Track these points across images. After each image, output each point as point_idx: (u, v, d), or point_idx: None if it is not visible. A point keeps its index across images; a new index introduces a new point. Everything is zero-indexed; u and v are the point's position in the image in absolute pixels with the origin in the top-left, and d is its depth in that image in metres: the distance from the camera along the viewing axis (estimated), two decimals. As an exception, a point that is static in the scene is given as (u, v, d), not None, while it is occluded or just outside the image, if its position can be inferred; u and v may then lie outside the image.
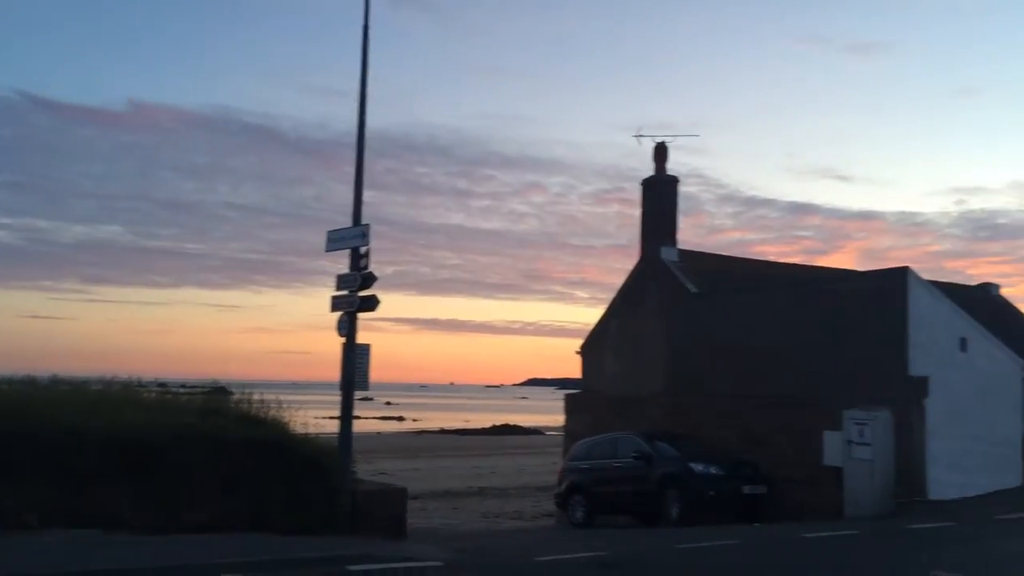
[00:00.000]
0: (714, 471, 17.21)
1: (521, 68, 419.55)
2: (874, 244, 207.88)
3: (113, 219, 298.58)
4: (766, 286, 22.80)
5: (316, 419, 14.24)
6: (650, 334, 23.79)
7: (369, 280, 12.89)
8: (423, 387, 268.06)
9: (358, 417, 28.13)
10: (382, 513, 12.57)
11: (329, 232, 13.51)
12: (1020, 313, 30.31)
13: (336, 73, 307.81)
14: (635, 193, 25.13)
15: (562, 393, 28.12)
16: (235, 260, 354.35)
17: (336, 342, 13.01)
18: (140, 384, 13.96)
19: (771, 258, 28.25)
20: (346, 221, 13.37)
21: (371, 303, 12.91)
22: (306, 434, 12.97)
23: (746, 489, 17.34)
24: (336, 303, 13.12)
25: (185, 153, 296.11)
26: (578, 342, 26.98)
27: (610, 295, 26.40)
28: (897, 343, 17.58)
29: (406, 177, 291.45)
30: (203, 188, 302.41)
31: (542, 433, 66.32)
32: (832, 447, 17.53)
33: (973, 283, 30.87)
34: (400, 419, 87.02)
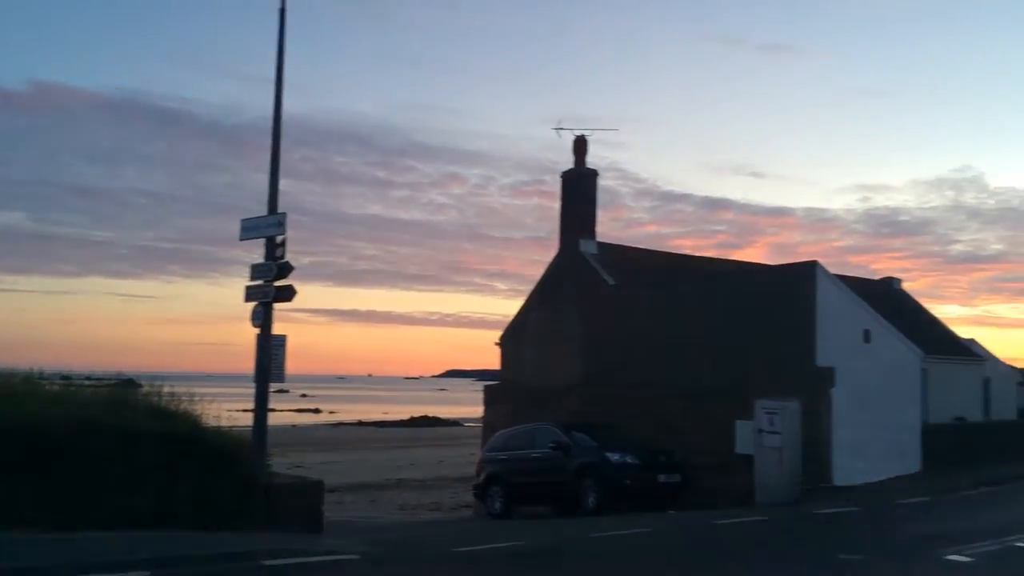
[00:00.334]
0: (630, 460, 17.48)
1: (442, 59, 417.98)
2: (785, 239, 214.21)
3: (14, 205, 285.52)
4: (682, 279, 23.25)
5: (230, 412, 13.87)
6: (568, 326, 24.00)
7: (285, 270, 12.63)
8: (341, 379, 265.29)
9: (273, 409, 27.58)
10: (298, 507, 12.35)
11: (244, 220, 13.18)
12: (920, 306, 31.67)
13: (251, 58, 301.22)
14: (555, 186, 25.31)
15: (481, 384, 28.16)
16: (144, 248, 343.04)
17: (251, 333, 12.72)
18: (42, 376, 13.35)
19: (687, 252, 28.86)
20: (261, 210, 13.06)
21: (287, 293, 12.65)
22: (219, 427, 12.62)
23: (661, 478, 17.68)
24: (250, 293, 12.82)
25: (91, 137, 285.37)
26: (497, 334, 27.06)
27: (529, 287, 26.54)
28: (805, 335, 18.14)
29: (324, 166, 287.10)
30: (110, 173, 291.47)
31: (461, 424, 66.33)
32: (744, 436, 18.03)
33: (876, 277, 32.13)
34: (317, 411, 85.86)
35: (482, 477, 20.26)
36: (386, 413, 79.87)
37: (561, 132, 24.84)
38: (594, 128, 27.14)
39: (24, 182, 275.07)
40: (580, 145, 24.58)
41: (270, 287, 12.58)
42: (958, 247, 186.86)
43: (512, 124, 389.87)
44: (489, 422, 25.54)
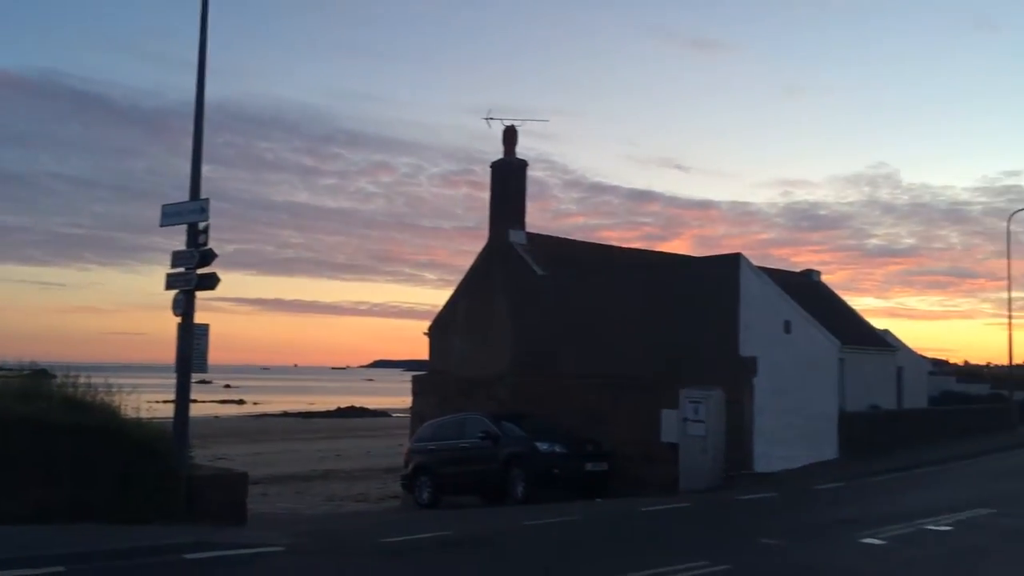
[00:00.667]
0: (558, 449, 17.62)
1: (370, 46, 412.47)
2: (709, 232, 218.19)
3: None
4: (609, 270, 23.49)
5: (150, 403, 13.55)
6: (497, 316, 24.04)
7: (208, 257, 12.34)
8: (265, 369, 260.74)
9: (195, 400, 26.94)
10: (221, 499, 12.10)
11: (165, 206, 12.82)
12: (837, 298, 32.67)
13: (173, 40, 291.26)
14: (484, 176, 25.33)
15: (410, 375, 28.01)
16: (60, 235, 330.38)
17: (172, 322, 12.40)
18: (-51, 366, 12.80)
19: (614, 243, 29.07)
20: (182, 196, 12.73)
21: (210, 281, 12.36)
22: (138, 419, 12.29)
23: (589, 466, 17.88)
24: (172, 281, 12.49)
25: (4, 119, 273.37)
26: (426, 324, 26.97)
27: (458, 277, 26.50)
28: (729, 325, 18.51)
29: (248, 152, 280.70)
30: (24, 157, 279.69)
31: (389, 415, 65.94)
32: (669, 425, 18.34)
33: (797, 270, 33.03)
34: (240, 402, 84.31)
35: (410, 467, 20.18)
36: (312, 404, 78.83)
37: (491, 122, 24.82)
38: (524, 118, 27.24)
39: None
40: (510, 135, 24.59)
41: (192, 275, 12.27)
42: (873, 241, 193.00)
43: (442, 113, 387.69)
44: (417, 412, 25.46)
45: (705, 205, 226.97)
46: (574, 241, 26.69)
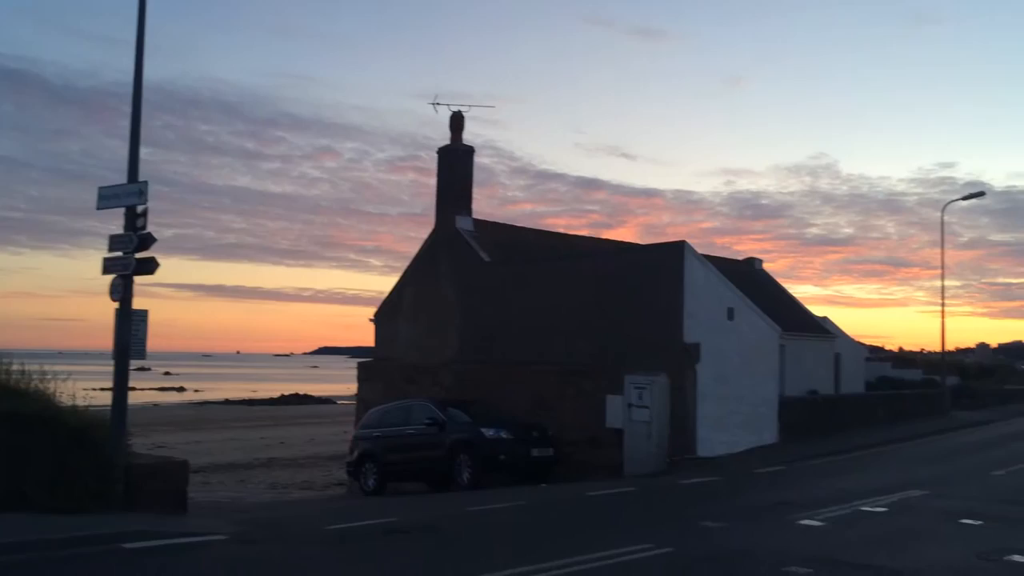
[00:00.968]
0: (504, 436, 17.66)
1: (314, 28, 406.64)
2: (654, 220, 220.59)
3: None
4: (556, 257, 23.58)
5: (87, 391, 13.15)
6: (444, 302, 23.97)
7: (147, 241, 12.03)
8: (206, 356, 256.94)
9: (134, 388, 26.37)
10: (160, 488, 11.85)
11: (101, 188, 12.46)
12: (779, 286, 33.29)
13: (110, 18, 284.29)
14: (431, 162, 25.23)
15: (355, 362, 27.81)
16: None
17: (110, 308, 12.09)
18: None
19: (561, 230, 29.20)
20: (120, 178, 12.38)
21: (149, 266, 12.06)
22: (75, 406, 11.96)
23: (534, 452, 17.96)
24: (109, 265, 12.16)
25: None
26: (372, 310, 26.81)
27: (404, 263, 26.35)
28: (674, 312, 18.73)
29: (189, 135, 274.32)
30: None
31: (334, 402, 65.50)
32: (614, 410, 18.51)
33: (740, 258, 33.56)
34: (181, 390, 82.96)
35: (355, 454, 20.05)
36: (255, 391, 77.92)
37: (438, 107, 24.69)
38: (471, 104, 27.15)
39: None
40: (457, 121, 24.48)
41: (130, 259, 11.96)
42: (813, 230, 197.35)
43: (387, 98, 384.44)
44: (363, 399, 25.30)
45: (650, 193, 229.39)
46: (521, 228, 26.72)
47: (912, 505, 12.43)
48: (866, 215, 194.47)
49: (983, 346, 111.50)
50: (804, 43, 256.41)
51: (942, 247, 33.02)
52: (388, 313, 26.04)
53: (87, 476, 10.93)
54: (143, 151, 12.46)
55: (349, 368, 29.95)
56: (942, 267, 33.20)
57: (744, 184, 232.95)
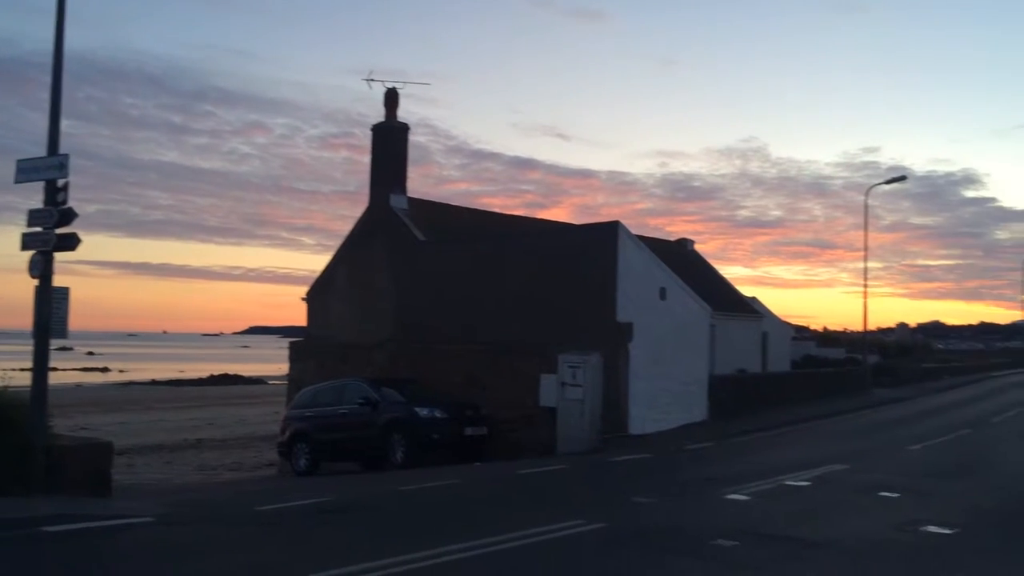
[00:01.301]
0: (438, 415, 17.67)
1: (245, 1, 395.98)
2: (589, 200, 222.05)
3: None
4: (491, 236, 23.56)
5: (5, 371, 12.74)
6: (378, 281, 23.78)
7: (68, 217, 11.64)
8: (132, 336, 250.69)
9: (55, 368, 25.62)
10: (83, 470, 11.55)
11: (20, 161, 11.99)
12: (709, 266, 33.90)
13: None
14: (365, 139, 25.22)
15: (287, 341, 27.45)
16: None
17: (29, 285, 11.68)
18: None
19: (496, 210, 29.18)
20: (39, 151, 11.95)
21: (70, 242, 11.67)
22: (-9, 387, 11.57)
23: (468, 431, 18.01)
24: (28, 241, 11.73)
25: None
26: (304, 289, 26.45)
27: (338, 242, 26.06)
28: (607, 291, 18.91)
29: (112, 108, 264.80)
30: None
31: (265, 382, 64.60)
32: (548, 389, 18.63)
33: (672, 239, 34.05)
34: (105, 370, 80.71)
35: (287, 434, 19.83)
36: (183, 372, 76.39)
37: (372, 83, 24.38)
38: (406, 82, 26.85)
39: None
40: (391, 98, 24.20)
41: (50, 235, 11.56)
42: (744, 212, 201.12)
43: (320, 73, 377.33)
44: (295, 379, 24.99)
45: (585, 174, 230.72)
46: (456, 207, 26.62)
47: (833, 479, 12.84)
48: (794, 198, 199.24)
49: (903, 326, 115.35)
50: (736, 27, 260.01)
51: (865, 230, 34.02)
52: (321, 292, 25.74)
53: (6, 458, 10.61)
54: (64, 124, 12.03)
55: (281, 348, 29.54)
56: (865, 249, 34.20)
57: (677, 166, 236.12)
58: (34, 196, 11.89)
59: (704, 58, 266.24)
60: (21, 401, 11.47)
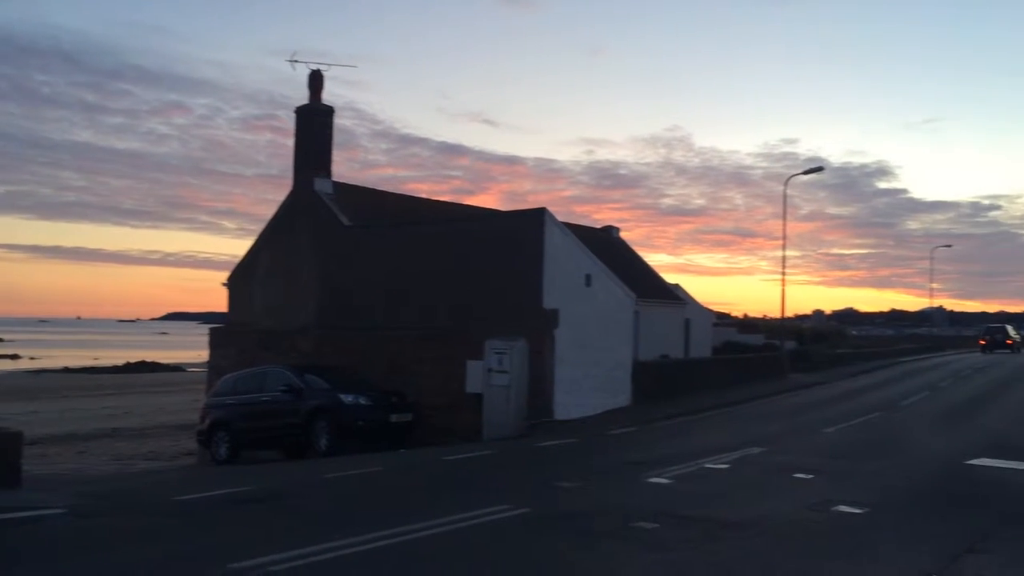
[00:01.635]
0: (363, 402, 17.51)
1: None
2: (516, 187, 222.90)
3: None
4: (418, 222, 23.40)
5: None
6: (302, 266, 23.41)
7: (-27, 196, 11.13)
8: (43, 322, 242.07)
9: (-40, 355, 24.52)
10: (-10, 461, 11.12)
11: (-82, 137, 11.41)
12: (634, 253, 34.32)
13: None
14: (289, 122, 24.59)
15: (207, 328, 26.84)
16: None
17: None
18: None
19: (423, 196, 29.06)
20: (-58, 125, 11.37)
21: (-25, 223, 11.18)
22: None
23: (393, 417, 17.90)
24: (-72, 221, 11.18)
25: None
26: (225, 274, 25.90)
27: (260, 226, 25.55)
28: (534, 278, 18.99)
29: (22, 84, 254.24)
30: None
31: (184, 370, 63.14)
32: (474, 375, 18.66)
33: (598, 226, 34.35)
34: (15, 357, 77.86)
35: (207, 423, 19.43)
36: (98, 359, 74.12)
37: (296, 64, 23.95)
38: (332, 64, 26.47)
39: None
40: (316, 80, 23.80)
41: (-47, 215, 11.03)
42: (668, 200, 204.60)
43: (243, 53, 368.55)
44: (215, 366, 24.47)
45: (513, 161, 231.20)
46: (382, 192, 26.36)
47: (751, 461, 13.16)
48: (716, 187, 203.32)
49: (819, 312, 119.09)
50: (662, 17, 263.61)
51: (784, 219, 34.93)
52: (242, 277, 25.21)
53: (-96, 450, 10.12)
54: (-33, 98, 11.45)
55: (200, 334, 28.85)
56: (783, 238, 35.18)
57: (604, 154, 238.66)
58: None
59: (631, 47, 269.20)
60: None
